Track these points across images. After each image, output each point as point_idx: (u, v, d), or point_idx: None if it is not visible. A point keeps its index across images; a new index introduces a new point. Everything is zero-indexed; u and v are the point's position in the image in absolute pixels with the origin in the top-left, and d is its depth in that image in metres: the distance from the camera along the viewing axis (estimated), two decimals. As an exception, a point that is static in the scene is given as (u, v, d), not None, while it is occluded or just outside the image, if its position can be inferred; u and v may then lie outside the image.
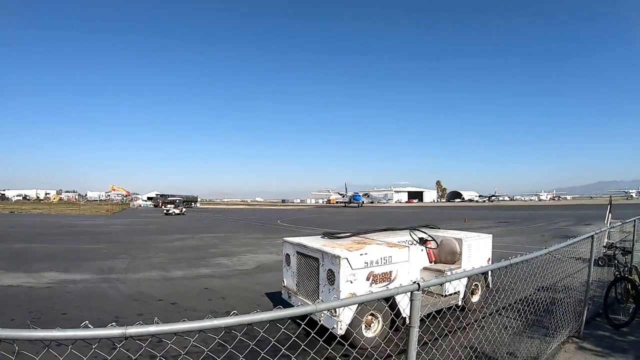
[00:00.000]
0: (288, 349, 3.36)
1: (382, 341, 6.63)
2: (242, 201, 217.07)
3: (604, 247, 11.82)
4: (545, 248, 5.61)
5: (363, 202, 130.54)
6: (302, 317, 2.88)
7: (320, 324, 4.87)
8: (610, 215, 17.12)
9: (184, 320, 2.33)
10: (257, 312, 2.55)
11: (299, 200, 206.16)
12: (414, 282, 3.28)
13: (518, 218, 48.30)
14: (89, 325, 2.17)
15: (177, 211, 68.01)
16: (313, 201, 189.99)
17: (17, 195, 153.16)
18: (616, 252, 9.21)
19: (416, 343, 3.32)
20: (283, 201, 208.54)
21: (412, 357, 3.33)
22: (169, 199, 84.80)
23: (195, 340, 2.66)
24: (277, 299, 9.47)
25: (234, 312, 2.53)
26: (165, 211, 68.37)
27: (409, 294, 3.31)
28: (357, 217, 58.85)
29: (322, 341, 3.74)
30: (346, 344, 5.03)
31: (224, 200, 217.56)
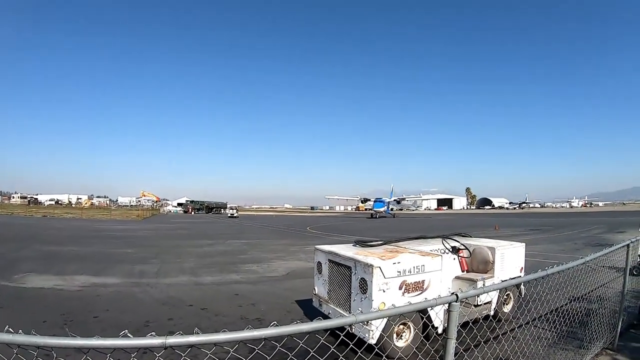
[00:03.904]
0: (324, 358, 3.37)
1: (414, 351, 6.59)
2: (271, 208, 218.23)
3: (639, 255, 11.49)
4: (581, 258, 5.50)
5: (392, 213, 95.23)
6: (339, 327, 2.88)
7: (351, 332, 4.85)
8: None
9: (224, 331, 2.38)
10: (297, 323, 2.60)
11: (327, 208, 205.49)
12: (453, 293, 3.29)
13: (549, 225, 47.30)
14: (129, 335, 2.25)
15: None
16: (342, 208, 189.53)
17: (50, 200, 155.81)
18: None
19: (453, 355, 3.33)
20: (312, 208, 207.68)
21: (448, 368, 3.32)
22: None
23: (224, 349, 2.67)
24: (307, 307, 9.50)
25: (274, 323, 2.55)
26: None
27: (446, 304, 3.31)
28: (385, 224, 58.37)
29: (356, 351, 3.75)
30: (384, 355, 5.00)
31: (252, 206, 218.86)
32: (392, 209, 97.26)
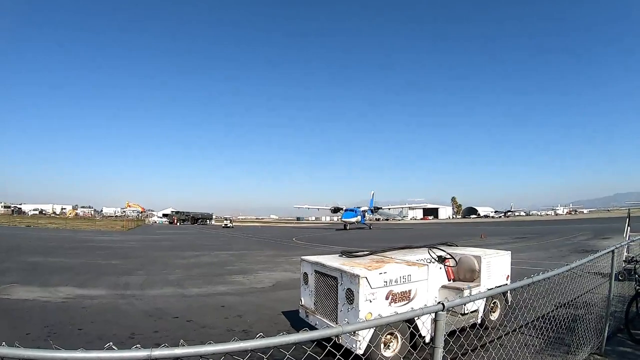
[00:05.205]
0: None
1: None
2: (256, 219, 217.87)
3: (624, 261, 11.59)
4: (567, 264, 5.56)
5: (368, 223, 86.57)
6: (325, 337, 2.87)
7: (338, 343, 4.82)
8: (629, 228, 16.86)
9: (210, 343, 2.36)
10: (283, 334, 2.58)
11: (313, 218, 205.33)
12: (439, 303, 3.30)
13: (535, 233, 47.65)
14: (114, 347, 2.20)
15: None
16: (328, 219, 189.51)
17: (34, 210, 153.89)
18: (637, 265, 9.05)
19: (441, 364, 3.31)
20: (298, 219, 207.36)
21: (436, 377, 3.31)
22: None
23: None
24: (294, 318, 9.45)
25: (260, 335, 2.54)
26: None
27: (432, 314, 3.32)
28: (371, 234, 58.41)
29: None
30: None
31: (238, 217, 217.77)
32: (377, 219, 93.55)
